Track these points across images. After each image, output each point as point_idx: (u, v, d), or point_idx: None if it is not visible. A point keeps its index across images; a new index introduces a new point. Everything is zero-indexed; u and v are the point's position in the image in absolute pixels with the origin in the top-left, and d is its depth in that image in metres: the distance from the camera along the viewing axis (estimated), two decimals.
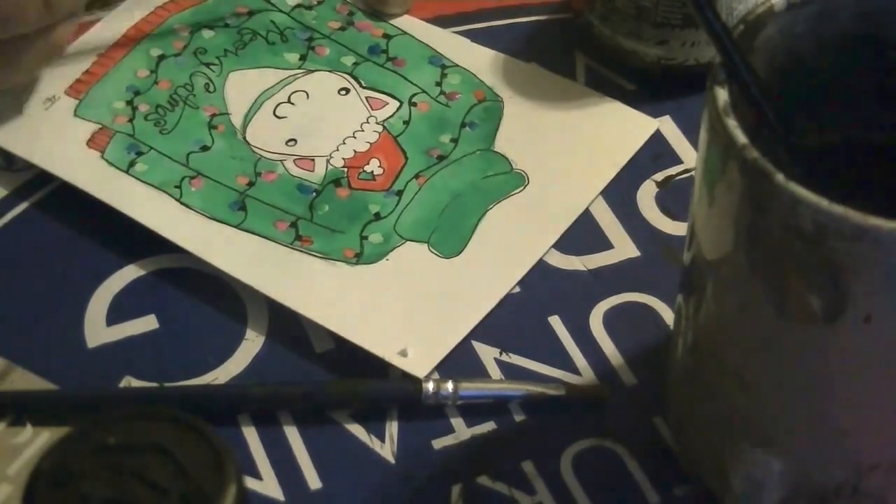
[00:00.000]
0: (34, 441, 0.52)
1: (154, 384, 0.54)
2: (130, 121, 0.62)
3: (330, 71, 0.64)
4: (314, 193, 0.60)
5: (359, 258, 0.58)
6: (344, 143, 0.62)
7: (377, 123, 0.62)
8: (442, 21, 0.67)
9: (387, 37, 0.66)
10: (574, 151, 0.62)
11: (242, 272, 0.57)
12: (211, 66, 0.64)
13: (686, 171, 0.61)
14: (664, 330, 0.56)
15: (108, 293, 0.57)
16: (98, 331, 0.56)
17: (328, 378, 0.54)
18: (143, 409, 0.41)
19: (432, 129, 0.62)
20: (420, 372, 0.54)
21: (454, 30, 0.66)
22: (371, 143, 0.62)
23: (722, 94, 0.43)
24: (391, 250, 0.58)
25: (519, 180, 0.61)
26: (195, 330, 0.56)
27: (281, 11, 0.67)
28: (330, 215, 0.59)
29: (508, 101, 0.63)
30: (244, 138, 0.62)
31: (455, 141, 0.62)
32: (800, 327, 0.43)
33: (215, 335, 0.56)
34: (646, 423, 0.53)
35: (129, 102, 0.62)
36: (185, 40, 0.65)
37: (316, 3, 0.67)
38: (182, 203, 0.59)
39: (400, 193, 0.60)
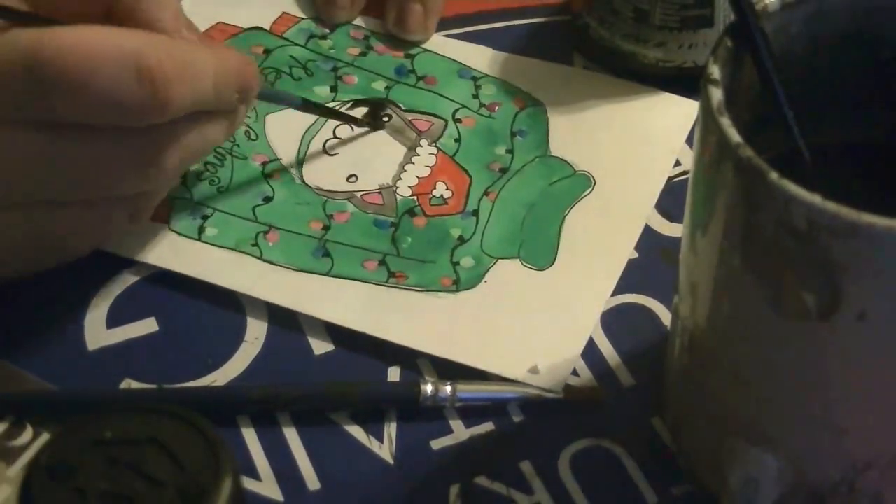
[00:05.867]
0: (34, 443, 0.52)
1: (154, 386, 0.54)
2: (184, 184, 0.60)
3: (364, 99, 0.64)
4: (392, 227, 0.59)
5: (458, 285, 0.57)
6: (405, 171, 0.61)
7: (430, 145, 0.62)
8: (440, 24, 0.67)
9: (409, 56, 0.66)
10: (628, 144, 0.62)
11: (348, 319, 0.56)
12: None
13: (684, 172, 0.61)
14: (662, 330, 0.56)
15: (109, 296, 0.57)
16: (98, 333, 0.56)
17: (327, 380, 0.55)
18: (139, 404, 0.41)
19: (485, 143, 0.62)
20: (556, 385, 0.54)
21: (452, 32, 0.67)
22: (431, 167, 0.61)
23: (716, 94, 0.43)
24: (486, 272, 0.58)
25: (585, 182, 0.61)
26: (195, 332, 0.56)
27: (297, 45, 0.66)
28: (415, 247, 0.58)
29: (549, 104, 0.63)
30: (303, 181, 0.61)
31: (511, 151, 0.62)
32: (795, 325, 0.43)
33: (215, 337, 0.56)
34: (643, 423, 0.53)
35: None
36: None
37: (329, 31, 0.67)
38: (264, 260, 0.58)
39: (476, 213, 0.60)
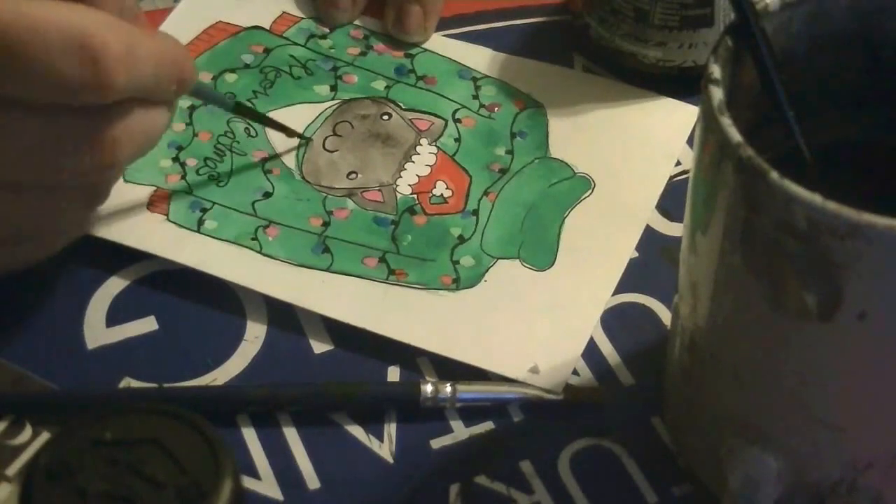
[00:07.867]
0: (34, 442, 0.52)
1: (153, 385, 0.54)
2: (183, 178, 0.60)
3: (364, 97, 0.64)
4: (392, 225, 0.59)
5: (458, 284, 0.57)
6: (405, 169, 0.61)
7: (430, 144, 0.62)
8: (440, 24, 0.67)
9: (409, 56, 0.66)
10: (627, 148, 0.62)
11: (348, 315, 0.56)
12: None
13: (684, 172, 0.61)
14: (662, 330, 0.56)
15: (108, 295, 0.57)
16: (98, 332, 0.56)
17: (326, 379, 0.55)
18: (138, 405, 0.41)
19: (484, 144, 0.62)
20: (556, 386, 0.54)
21: (452, 32, 0.67)
22: (431, 166, 0.61)
23: (717, 93, 0.43)
24: (486, 271, 0.58)
25: (585, 184, 0.61)
26: (194, 331, 0.56)
27: (297, 44, 0.66)
28: (415, 245, 0.58)
29: (549, 106, 0.63)
30: (303, 178, 0.61)
31: (510, 152, 0.62)
32: (795, 325, 0.43)
33: (214, 336, 0.56)
34: (643, 422, 0.53)
35: (176, 159, 0.61)
36: (211, 87, 0.64)
37: (329, 31, 0.67)
38: (264, 254, 0.58)
39: (476, 213, 0.60)
